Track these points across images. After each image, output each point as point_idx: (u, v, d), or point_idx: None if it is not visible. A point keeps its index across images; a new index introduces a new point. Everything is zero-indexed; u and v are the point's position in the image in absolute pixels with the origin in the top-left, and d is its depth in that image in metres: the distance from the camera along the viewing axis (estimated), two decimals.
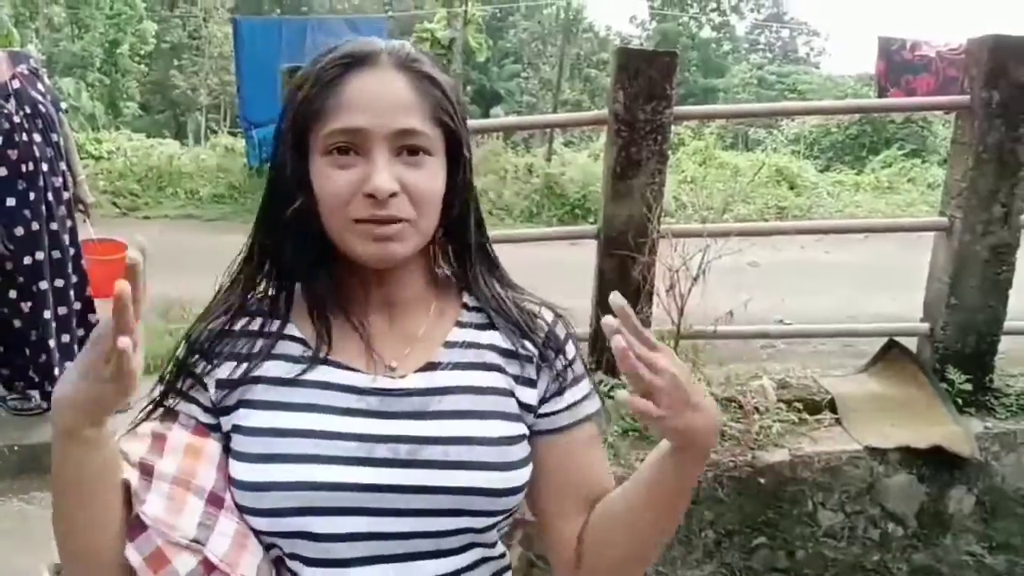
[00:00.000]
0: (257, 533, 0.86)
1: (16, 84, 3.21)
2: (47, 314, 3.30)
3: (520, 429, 0.91)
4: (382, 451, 0.85)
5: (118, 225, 6.57)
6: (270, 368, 0.89)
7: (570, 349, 0.96)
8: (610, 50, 30.15)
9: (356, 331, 0.91)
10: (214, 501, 0.85)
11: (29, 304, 3.28)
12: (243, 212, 8.95)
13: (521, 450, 0.91)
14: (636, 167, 3.20)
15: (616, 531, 0.92)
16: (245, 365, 0.89)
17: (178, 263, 5.92)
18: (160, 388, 0.91)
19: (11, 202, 3.20)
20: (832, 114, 13.52)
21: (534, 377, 0.93)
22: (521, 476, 0.90)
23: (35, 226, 3.25)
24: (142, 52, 23.21)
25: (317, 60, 0.87)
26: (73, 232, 3.44)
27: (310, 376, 0.89)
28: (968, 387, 3.23)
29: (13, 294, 3.27)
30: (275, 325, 0.92)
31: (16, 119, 3.17)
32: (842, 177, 11.76)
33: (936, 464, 3.06)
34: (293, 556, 0.87)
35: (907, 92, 11.37)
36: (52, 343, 3.32)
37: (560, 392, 0.94)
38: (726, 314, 3.23)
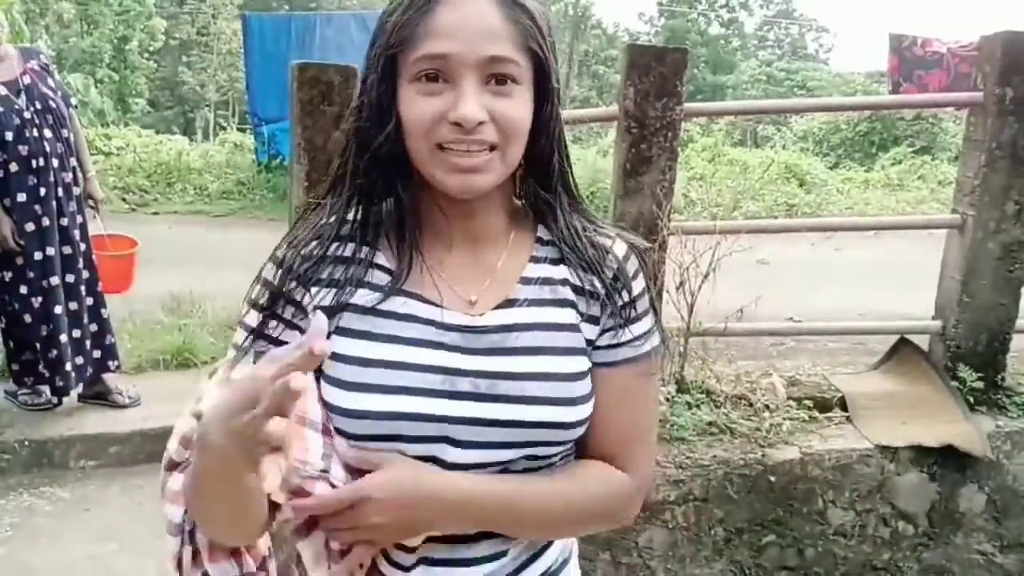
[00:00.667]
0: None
1: (27, 80, 3.21)
2: (58, 309, 3.31)
3: (586, 364, 0.93)
4: (464, 385, 0.88)
5: (127, 221, 6.59)
6: (359, 296, 0.90)
7: (636, 285, 0.96)
8: (618, 47, 30.10)
9: (437, 264, 0.92)
10: (326, 432, 0.88)
11: (40, 299, 3.29)
12: (252, 208, 8.97)
13: (586, 385, 0.93)
14: (646, 164, 3.18)
15: None
16: (338, 292, 0.90)
17: (187, 258, 5.95)
18: (256, 316, 0.91)
19: (22, 197, 3.21)
20: (842, 111, 13.46)
21: (598, 315, 0.94)
22: (586, 410, 0.92)
23: (45, 221, 3.26)
24: (151, 48, 23.27)
25: None
26: (84, 228, 3.45)
27: (393, 307, 0.90)
28: (980, 385, 3.21)
29: (24, 289, 3.28)
30: (364, 252, 0.92)
31: (27, 115, 3.18)
32: (852, 174, 11.69)
33: (947, 462, 3.04)
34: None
35: (919, 88, 11.30)
36: (63, 338, 3.33)
37: (622, 327, 0.94)
38: (736, 312, 3.21)
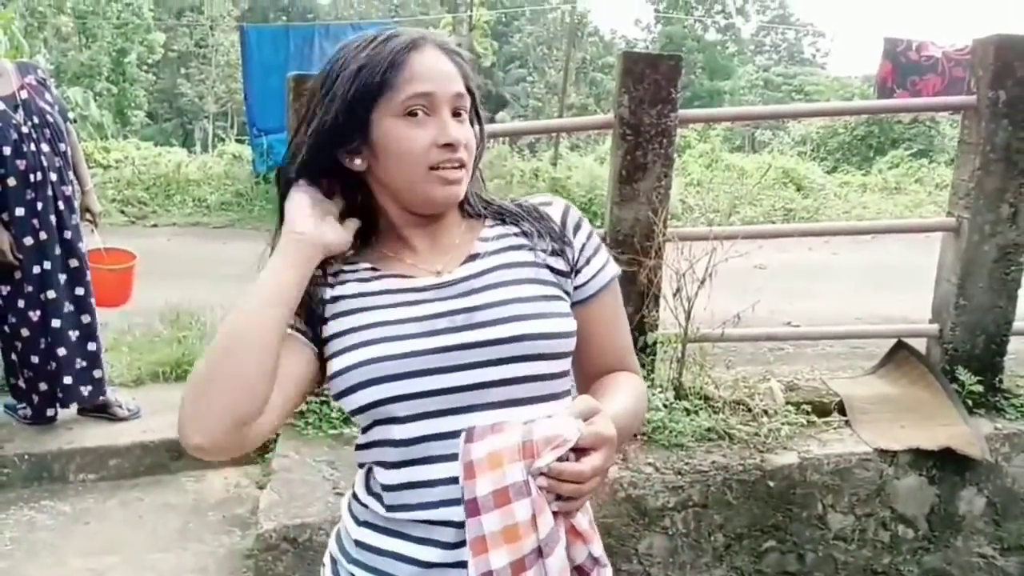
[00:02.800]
0: (352, 415, 1.06)
1: (24, 95, 3.22)
2: (56, 323, 3.32)
3: (555, 291, 1.09)
4: (442, 323, 1.04)
5: (126, 234, 6.60)
6: (346, 288, 1.10)
7: (585, 226, 1.15)
8: (615, 54, 30.15)
9: (403, 253, 1.11)
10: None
11: (38, 313, 3.30)
12: (250, 219, 8.97)
13: (561, 305, 1.09)
14: (642, 171, 3.20)
15: None
16: (329, 288, 1.09)
17: (186, 270, 5.95)
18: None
19: (20, 212, 3.22)
20: (838, 115, 13.48)
21: (560, 248, 1.12)
22: (567, 324, 1.07)
23: (43, 235, 3.27)
24: (149, 61, 23.30)
25: (367, 46, 1.04)
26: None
27: (375, 287, 1.09)
28: (978, 388, 3.22)
29: (22, 303, 3.28)
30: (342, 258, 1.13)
31: (24, 129, 3.19)
32: (849, 178, 11.68)
33: (946, 466, 3.04)
34: (386, 420, 1.03)
35: (913, 93, 11.33)
36: (61, 352, 3.33)
37: (588, 261, 1.14)
38: (733, 317, 3.22)
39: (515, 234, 1.13)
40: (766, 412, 3.17)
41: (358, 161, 1.07)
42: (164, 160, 10.50)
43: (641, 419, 1.20)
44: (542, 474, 0.93)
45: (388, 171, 1.06)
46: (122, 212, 8.65)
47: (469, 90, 1.09)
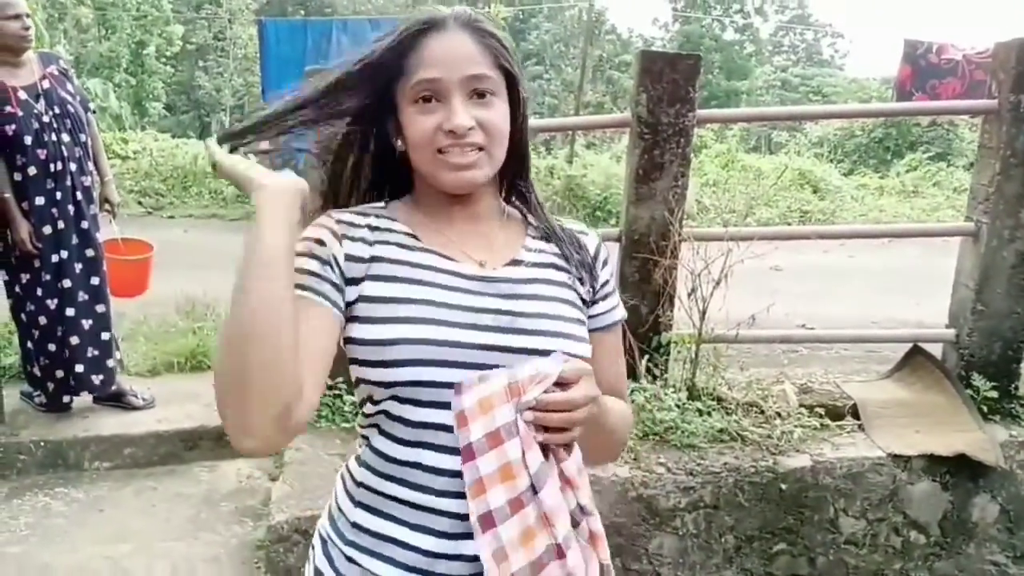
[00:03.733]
0: (382, 386, 1.03)
1: (46, 84, 3.25)
2: (71, 312, 3.34)
3: (582, 316, 1.14)
4: (487, 319, 1.04)
5: (143, 224, 6.64)
6: (387, 250, 1.07)
7: (611, 264, 1.20)
8: (632, 52, 30.04)
9: (445, 235, 1.10)
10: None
11: (55, 301, 3.32)
12: None
13: (584, 330, 1.13)
14: (659, 170, 3.19)
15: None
16: (368, 246, 1.07)
17: (202, 262, 5.98)
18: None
19: (40, 201, 3.24)
20: (856, 118, 13.40)
21: (586, 277, 1.16)
22: (586, 350, 1.10)
23: (61, 225, 3.29)
24: (168, 53, 23.39)
25: (391, 31, 1.07)
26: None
27: (415, 259, 1.08)
28: (993, 394, 3.19)
29: (39, 292, 3.31)
30: (385, 222, 1.11)
31: (45, 119, 3.21)
32: (866, 181, 11.62)
33: (960, 472, 3.02)
34: (406, 400, 1.03)
35: (932, 97, 11.23)
36: (74, 340, 3.35)
37: (605, 297, 1.18)
38: (748, 319, 3.21)
39: (555, 254, 1.15)
40: (779, 414, 3.15)
41: (399, 142, 1.09)
42: (182, 152, 10.55)
43: (623, 434, 1.19)
44: (530, 408, 0.96)
45: (412, 154, 1.08)
46: (139, 203, 8.72)
47: (505, 68, 1.07)
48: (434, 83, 1.03)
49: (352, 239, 1.06)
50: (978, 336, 3.27)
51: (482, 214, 1.13)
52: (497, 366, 1.01)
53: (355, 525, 1.08)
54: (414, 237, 1.09)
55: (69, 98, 3.31)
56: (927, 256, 6.91)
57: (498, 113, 1.05)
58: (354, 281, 1.05)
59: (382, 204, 1.14)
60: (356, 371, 1.06)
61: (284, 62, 9.89)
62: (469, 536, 0.99)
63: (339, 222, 1.07)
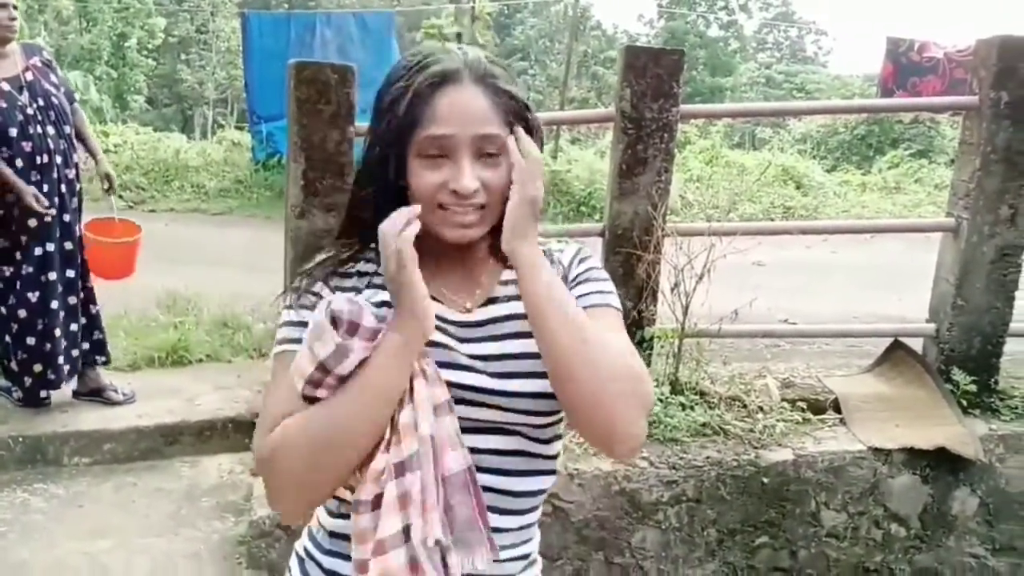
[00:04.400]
0: None
1: (29, 76, 3.21)
2: (54, 304, 3.31)
3: None
4: (463, 360, 1.06)
5: (124, 217, 6.57)
6: (371, 295, 1.08)
7: (588, 262, 1.17)
8: (617, 48, 30.08)
9: (435, 278, 1.09)
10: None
11: (36, 294, 3.29)
12: (248, 206, 8.95)
13: None
14: (642, 165, 3.19)
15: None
16: (353, 291, 1.09)
17: (184, 257, 5.94)
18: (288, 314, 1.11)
19: (14, 198, 3.20)
20: (839, 114, 13.47)
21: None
22: None
23: (47, 218, 3.26)
24: (150, 46, 23.21)
25: (405, 74, 1.05)
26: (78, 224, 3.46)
27: None
28: (973, 388, 3.22)
29: (19, 284, 3.28)
30: (372, 267, 1.12)
31: (30, 111, 3.18)
32: (849, 177, 11.68)
33: (940, 465, 3.05)
34: None
35: (913, 94, 11.31)
36: (57, 332, 3.32)
37: (574, 287, 1.13)
38: (731, 313, 3.22)
39: None
40: (761, 408, 3.17)
41: (402, 183, 1.08)
42: (163, 146, 10.46)
43: (603, 368, 1.00)
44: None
45: (413, 202, 1.05)
46: (120, 197, 8.56)
47: (513, 124, 1.06)
48: (443, 139, 1.02)
49: (337, 287, 1.11)
50: (958, 331, 3.30)
51: (473, 256, 1.13)
52: (473, 402, 1.05)
53: (333, 534, 1.11)
54: None
55: (53, 90, 3.27)
56: (909, 252, 6.96)
57: (503, 173, 1.05)
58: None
59: (374, 245, 1.10)
60: None
61: (267, 55, 9.82)
62: None
63: (323, 268, 1.12)
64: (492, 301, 1.12)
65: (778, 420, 3.11)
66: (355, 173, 1.15)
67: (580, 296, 1.12)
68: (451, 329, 1.09)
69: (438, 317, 1.07)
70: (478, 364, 1.07)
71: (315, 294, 1.10)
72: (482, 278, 1.14)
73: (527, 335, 1.06)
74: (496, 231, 1.08)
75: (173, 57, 29.29)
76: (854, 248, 6.99)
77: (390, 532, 0.98)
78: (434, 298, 1.07)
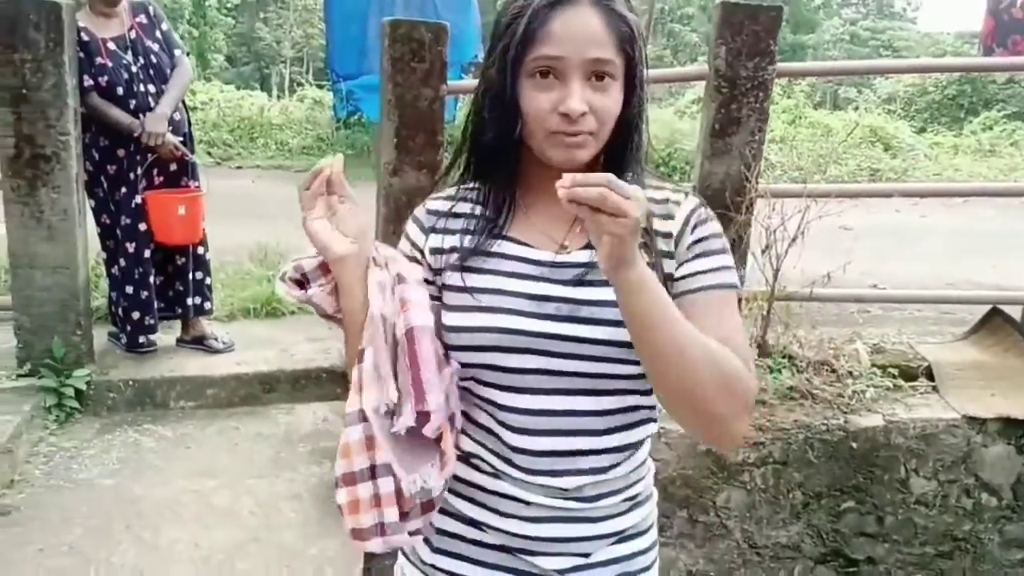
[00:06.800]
0: (464, 366, 1.10)
1: (133, 35, 3.32)
2: (147, 253, 3.45)
3: None
4: (549, 308, 1.06)
5: (213, 174, 6.73)
6: (466, 240, 1.13)
7: (705, 229, 1.11)
8: (694, 4, 29.26)
9: (533, 212, 1.13)
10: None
11: (133, 244, 3.43)
12: None
13: None
14: (736, 125, 3.15)
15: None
16: (450, 235, 1.14)
17: (271, 212, 6.09)
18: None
19: (123, 151, 3.34)
20: (938, 72, 12.88)
21: (672, 250, 1.09)
22: None
23: (140, 170, 3.39)
24: (229, 5, 23.61)
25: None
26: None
27: (493, 248, 1.12)
28: None
29: (120, 234, 3.43)
30: (478, 209, 1.15)
31: (134, 69, 3.30)
32: (940, 139, 11.24)
33: None
34: (489, 384, 1.10)
35: (1013, 54, 10.77)
36: (152, 280, 3.47)
37: (694, 259, 1.09)
38: (823, 276, 3.18)
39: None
40: (851, 373, 3.13)
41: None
42: (247, 104, 10.69)
43: (702, 371, 0.98)
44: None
45: (524, 128, 1.07)
46: (208, 154, 8.87)
47: (627, 52, 1.05)
48: (554, 60, 1.02)
49: (436, 230, 1.15)
50: None
51: None
52: (560, 353, 1.06)
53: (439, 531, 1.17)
54: (495, 223, 1.12)
55: (154, 47, 3.38)
56: (1003, 218, 6.71)
57: (612, 99, 1.05)
58: (439, 272, 1.13)
59: (473, 185, 1.17)
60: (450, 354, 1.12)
61: (347, 14, 9.90)
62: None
63: (428, 212, 1.17)
64: (591, 246, 1.05)
65: (868, 385, 3.08)
66: (472, 97, 1.15)
67: (694, 274, 1.08)
68: (539, 270, 1.09)
69: (526, 259, 1.10)
70: (565, 309, 1.06)
71: (416, 221, 1.18)
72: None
73: None
74: (603, 164, 1.09)
75: (251, 15, 29.72)
76: (945, 213, 6.76)
77: (349, 410, 1.05)
78: (521, 242, 1.11)
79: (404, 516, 1.06)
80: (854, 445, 2.92)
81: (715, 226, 1.12)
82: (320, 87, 12.72)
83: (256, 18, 29.67)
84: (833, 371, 3.15)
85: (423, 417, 1.02)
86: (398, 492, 1.04)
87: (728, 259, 1.11)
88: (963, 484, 3.02)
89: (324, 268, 1.10)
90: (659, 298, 0.96)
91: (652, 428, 1.16)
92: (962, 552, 3.07)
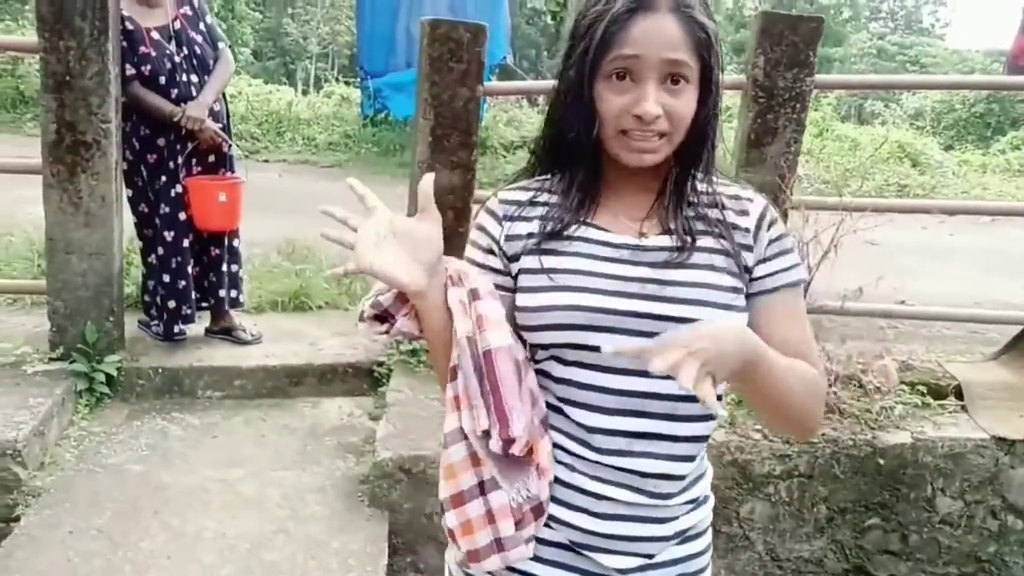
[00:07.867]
0: (541, 348, 1.14)
1: (177, 25, 3.35)
2: (185, 243, 3.48)
3: (739, 284, 1.12)
4: (633, 287, 1.09)
5: (240, 167, 6.81)
6: (544, 226, 1.15)
7: (778, 228, 1.16)
8: (724, 13, 29.12)
9: (611, 199, 1.16)
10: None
11: (171, 233, 3.45)
12: (357, 160, 9.13)
13: (740, 300, 1.12)
14: (772, 135, 3.15)
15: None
16: (527, 222, 1.16)
17: (298, 207, 6.13)
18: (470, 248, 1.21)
19: (164, 141, 3.38)
20: (976, 89, 12.79)
21: (751, 243, 1.14)
22: (738, 317, 1.10)
23: (180, 159, 3.42)
24: (257, 0, 23.77)
25: (607, 2, 1.07)
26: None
27: (571, 232, 1.14)
28: None
29: (158, 222, 3.46)
30: (554, 198, 1.17)
31: (177, 59, 3.33)
32: (968, 156, 11.16)
33: None
34: (571, 363, 1.12)
35: None
36: (190, 269, 3.50)
37: (772, 258, 1.15)
38: (855, 291, 3.17)
39: (716, 220, 1.14)
40: (879, 390, 3.12)
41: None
42: (275, 98, 10.75)
43: (804, 398, 1.10)
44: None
45: (599, 128, 1.10)
46: (237, 146, 8.92)
47: (703, 57, 1.07)
48: (630, 60, 1.05)
49: (512, 218, 1.17)
50: None
51: (651, 178, 1.15)
52: (644, 332, 1.06)
53: None
54: (572, 211, 1.15)
55: (198, 38, 3.41)
56: None
57: (686, 102, 1.07)
58: (515, 258, 1.16)
59: (548, 176, 1.20)
60: (524, 336, 1.15)
61: (377, 11, 9.94)
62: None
63: (502, 202, 1.19)
64: (670, 232, 1.13)
65: (896, 402, 3.07)
66: (550, 99, 1.19)
67: (773, 273, 1.14)
68: (619, 253, 1.12)
69: (606, 243, 1.13)
70: (650, 288, 1.09)
71: (491, 212, 1.20)
72: (660, 201, 1.16)
73: (707, 267, 1.10)
74: (678, 163, 1.13)
75: (279, 11, 29.92)
76: (973, 232, 6.71)
77: (448, 429, 1.09)
78: (600, 227, 1.14)
79: (518, 525, 1.09)
80: (881, 461, 2.91)
81: (783, 224, 1.18)
82: (347, 84, 12.77)
83: (284, 13, 29.86)
84: (861, 386, 3.14)
85: (508, 443, 1.05)
86: (509, 504, 1.08)
87: (797, 256, 1.19)
88: (989, 505, 3.00)
89: (402, 297, 1.13)
90: (769, 365, 1.04)
91: (713, 425, 1.17)
92: (986, 574, 3.05)
